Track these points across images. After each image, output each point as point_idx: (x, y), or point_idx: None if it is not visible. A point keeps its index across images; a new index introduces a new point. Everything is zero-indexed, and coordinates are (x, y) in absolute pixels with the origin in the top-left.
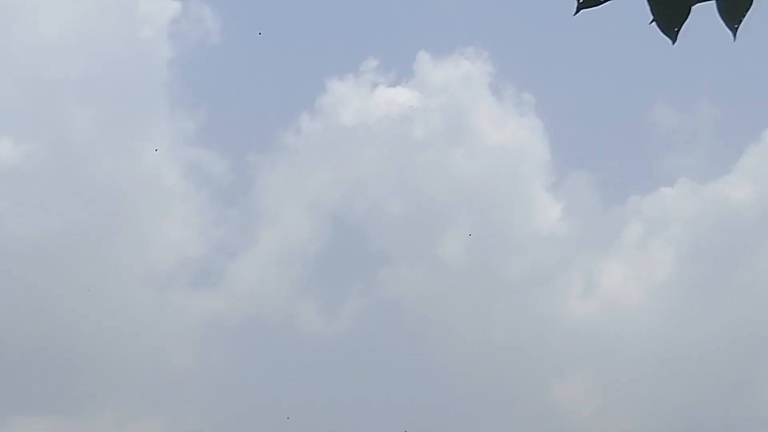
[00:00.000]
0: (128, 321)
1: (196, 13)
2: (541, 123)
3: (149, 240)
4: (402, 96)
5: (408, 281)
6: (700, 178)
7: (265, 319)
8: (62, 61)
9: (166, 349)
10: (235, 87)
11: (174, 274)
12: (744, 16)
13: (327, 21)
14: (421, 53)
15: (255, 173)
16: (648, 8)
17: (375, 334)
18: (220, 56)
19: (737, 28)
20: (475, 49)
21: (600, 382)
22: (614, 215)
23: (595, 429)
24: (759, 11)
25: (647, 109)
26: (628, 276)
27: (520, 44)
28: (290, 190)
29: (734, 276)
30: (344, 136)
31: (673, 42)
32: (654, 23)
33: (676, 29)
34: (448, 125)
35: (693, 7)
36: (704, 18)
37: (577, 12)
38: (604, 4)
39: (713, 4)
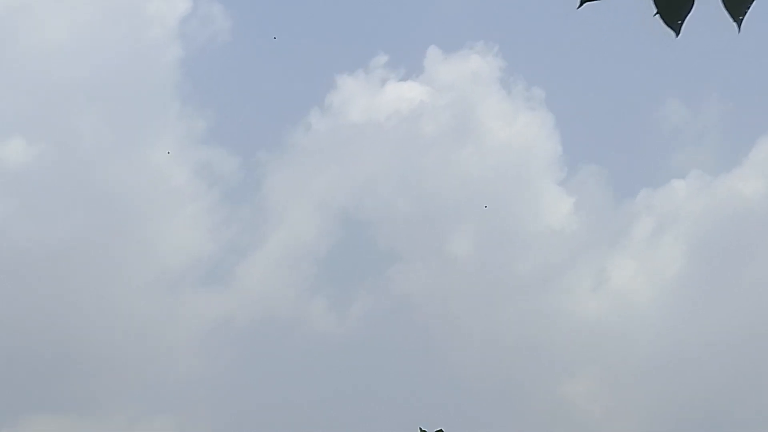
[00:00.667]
0: (139, 321)
1: (206, 12)
2: (552, 117)
3: (159, 240)
4: (412, 91)
5: (418, 279)
6: (711, 171)
7: (275, 318)
8: (71, 61)
9: (177, 349)
10: (245, 85)
11: (184, 274)
12: (748, 8)
13: (337, 17)
14: (431, 48)
15: (265, 171)
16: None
17: (385, 333)
18: (230, 54)
19: (741, 19)
20: (485, 43)
21: (610, 379)
22: (625, 209)
23: (605, 426)
24: (766, 4)
25: (658, 102)
26: (638, 271)
27: (530, 38)
28: (300, 188)
29: (745, 272)
30: (354, 133)
31: (677, 35)
32: (658, 15)
33: (679, 21)
34: (458, 120)
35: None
36: (712, 11)
37: (581, 5)
38: None
39: None
